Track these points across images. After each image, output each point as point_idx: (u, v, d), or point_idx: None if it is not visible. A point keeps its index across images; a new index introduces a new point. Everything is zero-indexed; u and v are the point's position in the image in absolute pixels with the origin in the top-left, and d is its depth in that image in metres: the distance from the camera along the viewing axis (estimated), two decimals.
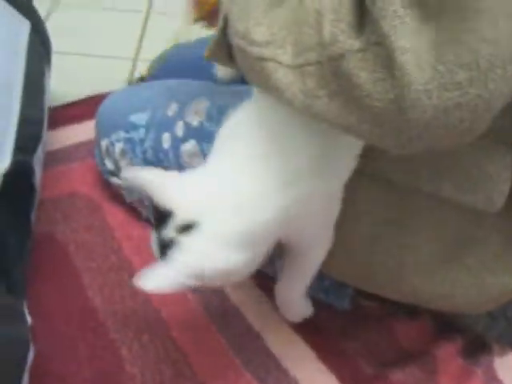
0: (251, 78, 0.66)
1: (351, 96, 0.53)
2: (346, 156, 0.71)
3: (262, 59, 0.59)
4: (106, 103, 1.08)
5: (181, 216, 0.66)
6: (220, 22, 0.69)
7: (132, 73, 1.49)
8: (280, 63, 0.58)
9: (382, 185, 0.75)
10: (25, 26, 1.08)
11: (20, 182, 0.88)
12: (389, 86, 0.50)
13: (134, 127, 0.97)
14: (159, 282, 0.64)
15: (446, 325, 0.94)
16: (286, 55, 0.57)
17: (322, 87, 0.55)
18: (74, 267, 0.99)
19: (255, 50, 0.60)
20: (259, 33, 0.60)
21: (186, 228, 0.65)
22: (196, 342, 0.90)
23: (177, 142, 0.91)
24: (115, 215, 1.09)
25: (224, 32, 0.69)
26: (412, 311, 0.94)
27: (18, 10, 1.08)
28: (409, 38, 0.49)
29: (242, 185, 0.67)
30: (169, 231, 0.66)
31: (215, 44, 0.71)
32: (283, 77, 0.58)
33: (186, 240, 0.65)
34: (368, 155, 0.71)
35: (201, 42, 1.16)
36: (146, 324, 0.92)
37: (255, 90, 0.71)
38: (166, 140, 0.92)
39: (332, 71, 0.54)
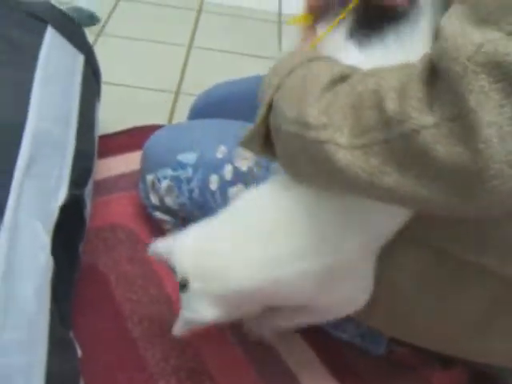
0: (298, 163, 0.67)
1: (425, 169, 0.55)
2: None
3: (320, 142, 0.61)
4: (153, 139, 1.08)
5: (177, 273, 0.74)
6: (262, 110, 0.69)
7: (173, 106, 1.52)
8: (338, 145, 0.59)
9: (426, 250, 0.76)
10: (79, 59, 1.11)
11: (71, 215, 0.90)
12: (467, 157, 0.52)
13: (182, 166, 0.99)
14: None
15: (479, 375, 0.95)
16: (343, 137, 0.59)
17: (388, 164, 0.57)
18: (115, 298, 1.01)
19: (312, 134, 0.61)
20: (313, 117, 0.61)
21: (183, 285, 0.74)
22: (233, 381, 0.92)
23: (224, 185, 0.93)
24: None
25: (264, 119, 0.69)
26: (446, 360, 0.95)
27: (72, 44, 1.11)
28: (494, 113, 0.51)
29: (227, 249, 0.72)
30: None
31: (254, 131, 0.71)
32: (343, 158, 0.59)
33: (182, 296, 0.75)
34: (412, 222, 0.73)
35: (243, 79, 1.19)
36: (184, 360, 0.93)
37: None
38: (214, 182, 0.94)
39: (404, 147, 0.56)
